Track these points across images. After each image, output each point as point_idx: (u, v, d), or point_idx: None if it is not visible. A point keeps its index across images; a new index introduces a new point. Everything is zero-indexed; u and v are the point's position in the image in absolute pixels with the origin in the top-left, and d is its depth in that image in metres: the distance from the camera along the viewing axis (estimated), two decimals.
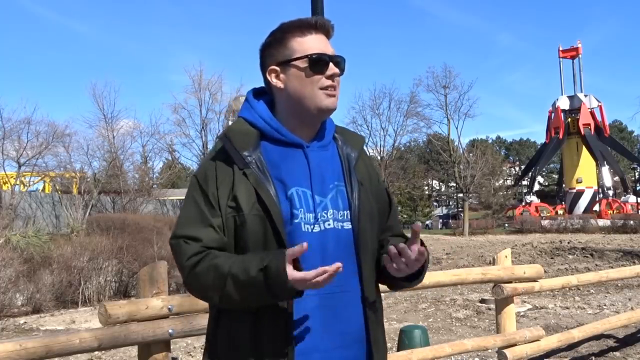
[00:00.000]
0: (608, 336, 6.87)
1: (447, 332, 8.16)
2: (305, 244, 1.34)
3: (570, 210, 48.27)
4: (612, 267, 15.45)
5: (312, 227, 1.50)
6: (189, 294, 1.59)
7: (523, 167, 66.69)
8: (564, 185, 53.11)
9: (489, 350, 5.16)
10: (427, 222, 65.74)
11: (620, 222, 38.57)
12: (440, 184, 75.73)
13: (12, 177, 25.72)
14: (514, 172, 76.89)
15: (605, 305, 10.13)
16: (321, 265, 1.39)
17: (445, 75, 49.56)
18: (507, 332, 4.43)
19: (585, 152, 49.20)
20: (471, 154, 51.33)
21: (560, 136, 49.53)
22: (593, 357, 6.20)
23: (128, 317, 2.75)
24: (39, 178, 29.33)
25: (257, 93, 1.66)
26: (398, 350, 5.32)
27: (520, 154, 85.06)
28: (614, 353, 6.36)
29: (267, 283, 1.35)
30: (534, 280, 4.62)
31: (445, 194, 75.97)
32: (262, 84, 1.64)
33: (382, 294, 1.73)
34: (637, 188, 56.18)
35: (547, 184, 78.97)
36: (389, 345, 7.26)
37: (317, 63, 1.54)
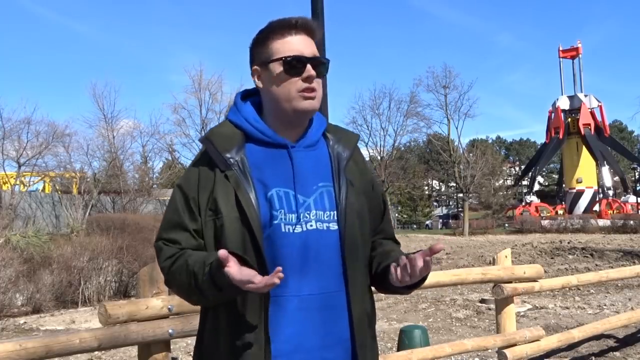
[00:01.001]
0: (608, 336, 6.87)
1: (447, 332, 8.16)
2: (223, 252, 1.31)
3: (570, 210, 48.28)
4: (612, 267, 15.45)
5: (293, 227, 1.49)
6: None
7: (523, 167, 66.71)
8: (564, 185, 53.12)
9: (489, 350, 5.16)
10: (427, 222, 65.76)
11: (620, 222, 38.58)
12: (440, 184, 75.77)
13: (12, 177, 25.72)
14: (514, 172, 76.92)
15: (605, 305, 10.13)
16: (301, 265, 1.45)
17: (445, 75, 49.64)
18: (507, 332, 4.43)
19: (585, 152, 49.21)
20: (471, 154, 51.34)
21: (560, 136, 49.53)
22: (593, 357, 6.21)
23: (128, 317, 2.75)
24: (39, 178, 29.34)
25: (249, 94, 1.67)
26: (398, 350, 5.32)
27: (520, 154, 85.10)
28: (614, 353, 6.36)
29: (212, 278, 1.37)
30: (534, 280, 4.62)
31: (445, 194, 76.02)
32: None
33: (383, 294, 1.72)
34: (637, 188, 56.19)
35: (547, 184, 79.00)
36: (389, 345, 7.26)
37: (293, 65, 1.53)
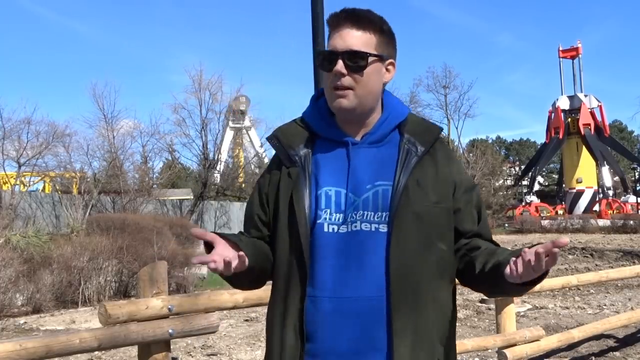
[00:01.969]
0: (608, 336, 6.87)
1: None
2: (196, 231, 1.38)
3: (570, 210, 48.24)
4: (612, 267, 15.44)
5: (338, 227, 1.47)
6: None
7: (523, 167, 66.64)
8: (564, 185, 53.07)
9: (489, 350, 5.16)
10: None
11: (620, 222, 38.53)
12: None
13: (12, 177, 25.69)
14: (514, 172, 76.82)
15: (605, 305, 10.13)
16: (341, 267, 1.45)
17: (445, 75, 49.61)
18: (507, 332, 4.43)
19: (585, 152, 49.17)
20: (471, 154, 51.33)
21: (560, 136, 49.49)
22: (593, 357, 6.20)
23: (128, 317, 2.75)
24: (39, 178, 29.30)
25: None
26: None
27: (520, 154, 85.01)
28: (614, 353, 6.36)
29: None
30: None
31: None
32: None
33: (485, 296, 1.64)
34: (637, 188, 56.18)
35: (547, 184, 78.97)
36: None
37: (322, 61, 1.52)
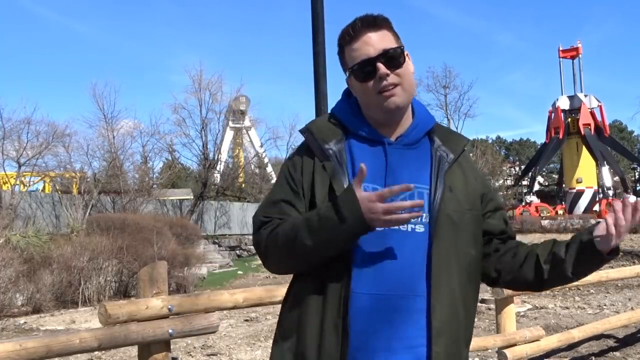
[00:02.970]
0: (608, 336, 6.87)
1: None
2: (363, 166, 1.38)
3: (570, 210, 48.24)
4: (612, 267, 15.42)
5: None
6: (264, 261, 1.58)
7: (523, 167, 66.66)
8: (564, 185, 53.07)
9: (489, 350, 5.16)
10: None
11: None
12: None
13: (12, 177, 25.69)
14: (514, 172, 76.85)
15: (605, 305, 10.13)
16: (378, 264, 1.43)
17: (445, 75, 49.56)
18: (507, 332, 4.43)
19: (585, 152, 49.18)
20: (471, 154, 51.34)
21: (560, 136, 49.49)
22: (593, 357, 6.20)
23: (128, 317, 2.75)
24: (39, 178, 29.30)
25: None
26: None
27: (520, 154, 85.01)
28: (614, 353, 6.36)
29: (337, 208, 1.39)
30: None
31: None
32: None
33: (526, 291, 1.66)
34: (637, 188, 56.21)
35: (547, 184, 78.98)
36: None
37: (359, 73, 1.54)
